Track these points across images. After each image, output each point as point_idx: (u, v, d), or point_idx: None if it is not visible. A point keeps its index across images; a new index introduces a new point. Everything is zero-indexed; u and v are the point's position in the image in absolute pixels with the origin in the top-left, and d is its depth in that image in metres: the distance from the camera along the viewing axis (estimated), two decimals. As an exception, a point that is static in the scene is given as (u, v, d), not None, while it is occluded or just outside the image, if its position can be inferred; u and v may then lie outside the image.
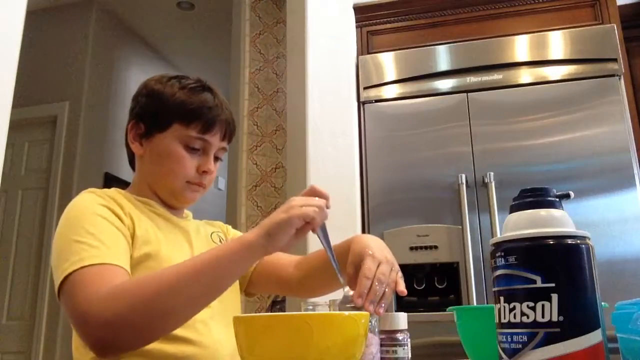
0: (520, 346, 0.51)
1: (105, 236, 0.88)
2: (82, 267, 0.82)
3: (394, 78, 2.34)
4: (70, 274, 0.82)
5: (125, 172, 3.96)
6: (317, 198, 0.85)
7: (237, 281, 1.09)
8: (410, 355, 0.78)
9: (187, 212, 1.14)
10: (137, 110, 1.05)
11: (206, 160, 1.02)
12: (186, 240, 1.04)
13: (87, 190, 0.97)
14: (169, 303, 0.77)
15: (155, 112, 1.02)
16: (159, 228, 0.99)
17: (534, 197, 0.56)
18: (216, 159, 1.06)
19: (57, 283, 0.84)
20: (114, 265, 0.84)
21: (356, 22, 2.52)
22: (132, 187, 1.07)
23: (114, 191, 1.00)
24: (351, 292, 0.81)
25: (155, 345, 0.85)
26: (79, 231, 0.87)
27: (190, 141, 1.00)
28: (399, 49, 2.39)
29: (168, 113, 1.00)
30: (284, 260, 1.13)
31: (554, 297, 0.50)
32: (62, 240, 0.88)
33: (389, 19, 2.51)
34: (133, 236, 0.93)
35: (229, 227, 1.21)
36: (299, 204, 0.81)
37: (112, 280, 0.81)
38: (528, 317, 0.51)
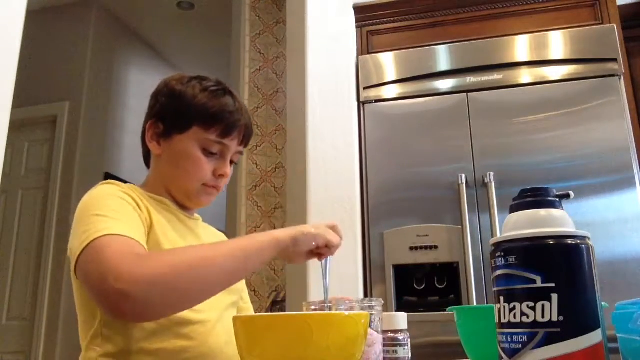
0: (520, 346, 0.51)
1: (129, 216, 0.88)
2: (108, 235, 0.80)
3: (394, 78, 2.34)
4: (94, 240, 0.79)
5: (125, 172, 3.96)
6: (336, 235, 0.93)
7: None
8: (410, 355, 0.78)
9: (197, 216, 1.14)
10: (158, 110, 1.04)
11: (223, 164, 1.03)
12: (196, 239, 1.05)
13: (105, 181, 0.98)
14: (209, 271, 0.78)
15: (175, 114, 1.02)
16: (172, 226, 0.99)
17: (534, 197, 0.56)
18: (231, 162, 1.06)
19: (76, 253, 0.81)
20: (139, 242, 0.83)
21: (356, 22, 2.52)
22: (147, 184, 1.07)
23: (130, 186, 1.00)
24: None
25: (161, 345, 0.86)
26: (102, 208, 0.86)
27: (209, 145, 1.00)
28: (399, 49, 2.39)
29: (189, 115, 1.00)
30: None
31: (554, 297, 0.50)
32: (81, 218, 0.86)
33: (389, 19, 2.50)
34: (150, 228, 0.93)
35: None
36: (325, 230, 0.91)
37: (141, 250, 0.80)
38: (528, 317, 0.51)
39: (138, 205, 0.93)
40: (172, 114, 1.02)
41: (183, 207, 1.07)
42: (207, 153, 1.01)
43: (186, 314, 0.89)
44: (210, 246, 0.84)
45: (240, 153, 1.07)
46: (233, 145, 1.03)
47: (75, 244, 0.83)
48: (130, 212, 0.89)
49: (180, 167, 1.01)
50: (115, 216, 0.84)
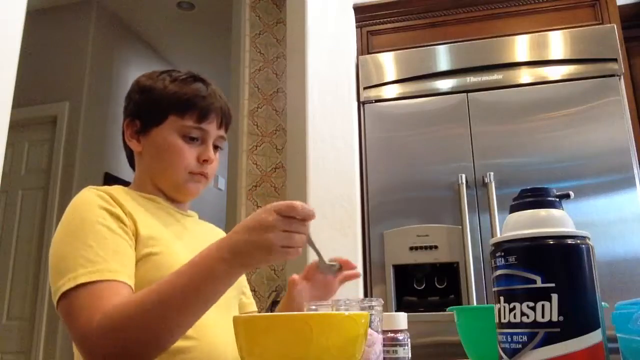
0: (520, 346, 0.51)
1: (106, 248, 0.85)
2: (77, 286, 0.80)
3: (394, 78, 2.34)
4: (66, 292, 0.81)
5: (125, 172, 3.96)
6: (299, 222, 0.75)
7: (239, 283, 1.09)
8: (410, 355, 0.78)
9: (192, 212, 1.13)
10: (131, 108, 1.05)
11: (205, 149, 1.02)
12: (193, 239, 1.02)
13: (88, 188, 0.95)
14: (160, 333, 0.77)
15: (149, 107, 1.02)
16: (164, 225, 0.98)
17: (534, 197, 0.56)
18: (215, 148, 1.05)
19: (54, 298, 0.83)
20: (113, 281, 0.82)
21: (356, 22, 2.52)
22: (135, 184, 1.06)
23: (117, 189, 0.99)
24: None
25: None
26: (77, 243, 0.85)
27: (188, 131, 1.00)
28: (399, 49, 2.39)
29: (162, 106, 1.00)
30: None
31: (554, 297, 0.50)
32: (59, 250, 0.86)
33: (389, 19, 2.51)
34: (136, 236, 0.91)
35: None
36: (279, 243, 0.73)
37: (110, 299, 0.79)
38: (528, 317, 0.51)
39: (119, 217, 0.90)
40: (145, 108, 1.02)
41: (174, 201, 1.06)
42: (188, 140, 1.00)
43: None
44: (179, 287, 0.76)
45: (223, 138, 1.06)
46: (212, 130, 1.02)
47: (53, 286, 0.84)
48: (109, 241, 0.86)
49: (164, 159, 1.00)
50: (91, 257, 0.83)
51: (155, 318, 0.76)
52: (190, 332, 0.89)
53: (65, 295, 0.80)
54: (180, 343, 0.88)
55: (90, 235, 0.86)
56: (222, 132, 1.05)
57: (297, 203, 0.74)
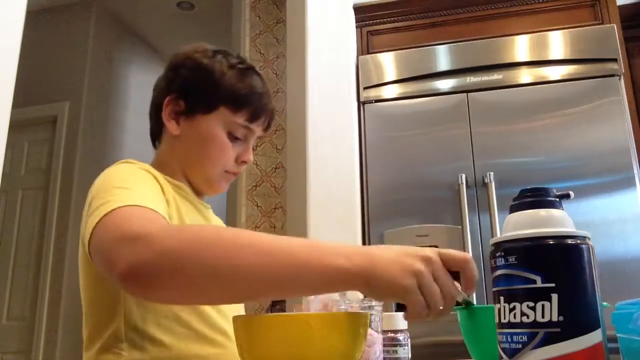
0: (520, 346, 0.51)
1: (153, 190, 0.79)
2: (131, 205, 0.69)
3: (394, 78, 2.34)
4: (113, 210, 0.68)
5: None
6: (454, 284, 0.61)
7: None
8: (410, 355, 0.78)
9: (207, 204, 1.06)
10: (179, 85, 0.95)
11: (246, 149, 0.97)
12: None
13: (123, 160, 0.88)
14: (231, 282, 0.60)
15: (201, 91, 0.93)
16: (189, 218, 0.92)
17: (534, 197, 0.56)
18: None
19: (92, 224, 0.69)
20: (163, 216, 0.72)
21: (356, 22, 2.52)
22: (161, 166, 0.95)
23: (146, 165, 0.91)
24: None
25: (181, 345, 0.83)
26: (123, 181, 0.76)
27: (236, 128, 0.94)
28: (399, 49, 2.39)
29: (216, 94, 0.93)
30: None
31: (554, 297, 0.50)
32: (100, 191, 0.75)
33: (389, 19, 2.50)
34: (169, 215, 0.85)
35: None
36: (428, 284, 0.58)
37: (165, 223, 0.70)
38: (528, 317, 0.50)
39: (162, 187, 0.84)
40: (197, 90, 0.93)
41: (199, 193, 1.00)
42: (232, 137, 0.94)
43: (218, 320, 0.86)
44: (270, 247, 0.60)
45: (259, 138, 1.01)
46: (258, 131, 0.97)
47: (93, 216, 0.71)
48: (154, 187, 0.81)
49: (204, 151, 0.93)
50: (138, 188, 0.75)
51: (233, 252, 0.60)
52: (215, 334, 0.86)
53: (110, 214, 0.68)
54: (205, 345, 0.85)
55: (136, 177, 0.79)
56: (263, 134, 1.00)
57: (470, 258, 0.61)
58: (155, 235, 0.61)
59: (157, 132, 1.00)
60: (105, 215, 0.68)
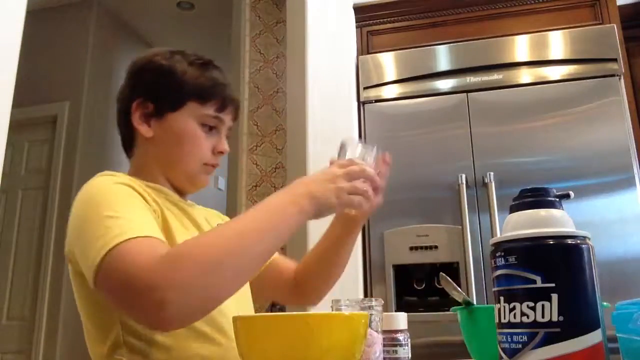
0: (520, 346, 0.51)
1: (142, 212, 0.81)
2: (127, 240, 0.72)
3: (394, 78, 2.34)
4: (113, 248, 0.72)
5: (125, 172, 3.95)
6: (363, 181, 0.85)
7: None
8: (410, 355, 0.78)
9: (190, 202, 1.07)
10: (144, 88, 0.97)
11: (220, 140, 0.99)
12: (197, 229, 0.98)
13: (101, 173, 0.89)
14: (240, 262, 0.72)
15: (167, 91, 0.95)
16: (176, 219, 0.92)
17: (534, 197, 0.56)
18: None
19: (94, 262, 0.73)
20: (159, 239, 0.76)
21: (356, 22, 2.52)
22: (139, 172, 0.97)
23: (128, 177, 0.91)
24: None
25: (181, 345, 0.83)
26: (112, 206, 0.78)
27: (207, 120, 0.96)
28: (399, 49, 2.39)
29: (182, 91, 0.95)
30: (282, 264, 1.12)
31: (554, 297, 0.50)
32: (90, 219, 0.78)
33: (389, 19, 2.50)
34: (163, 221, 0.88)
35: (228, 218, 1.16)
36: (346, 188, 0.82)
37: (164, 249, 0.73)
38: (528, 317, 0.51)
39: (145, 198, 0.86)
40: (162, 91, 0.95)
41: (181, 192, 1.00)
42: (204, 129, 0.96)
43: (218, 319, 0.86)
44: (242, 228, 0.75)
45: (230, 129, 1.03)
46: (228, 120, 0.99)
47: (90, 253, 0.74)
48: (141, 207, 0.82)
49: (180, 146, 0.95)
50: (129, 215, 0.77)
51: (240, 246, 0.73)
52: (216, 333, 0.86)
53: (112, 251, 0.72)
54: (208, 343, 0.85)
55: (122, 200, 0.80)
56: (232, 124, 1.02)
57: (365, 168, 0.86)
58: (176, 282, 0.68)
59: (129, 139, 1.01)
60: (109, 251, 0.72)
